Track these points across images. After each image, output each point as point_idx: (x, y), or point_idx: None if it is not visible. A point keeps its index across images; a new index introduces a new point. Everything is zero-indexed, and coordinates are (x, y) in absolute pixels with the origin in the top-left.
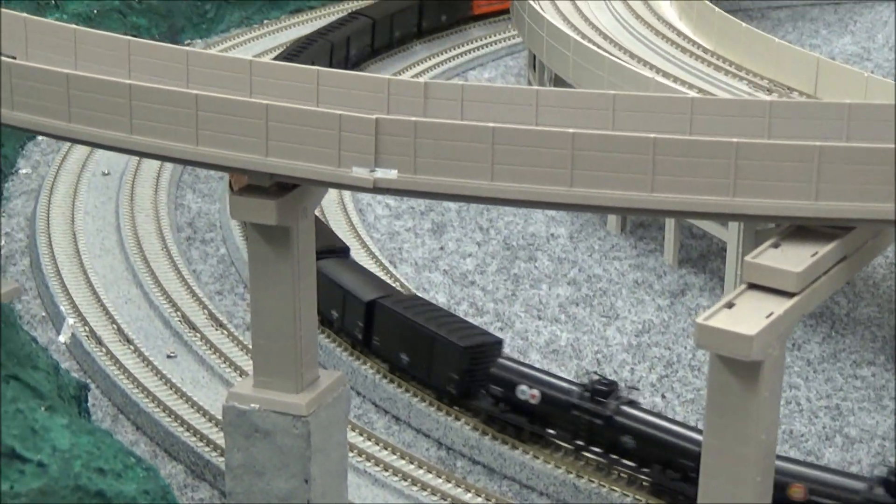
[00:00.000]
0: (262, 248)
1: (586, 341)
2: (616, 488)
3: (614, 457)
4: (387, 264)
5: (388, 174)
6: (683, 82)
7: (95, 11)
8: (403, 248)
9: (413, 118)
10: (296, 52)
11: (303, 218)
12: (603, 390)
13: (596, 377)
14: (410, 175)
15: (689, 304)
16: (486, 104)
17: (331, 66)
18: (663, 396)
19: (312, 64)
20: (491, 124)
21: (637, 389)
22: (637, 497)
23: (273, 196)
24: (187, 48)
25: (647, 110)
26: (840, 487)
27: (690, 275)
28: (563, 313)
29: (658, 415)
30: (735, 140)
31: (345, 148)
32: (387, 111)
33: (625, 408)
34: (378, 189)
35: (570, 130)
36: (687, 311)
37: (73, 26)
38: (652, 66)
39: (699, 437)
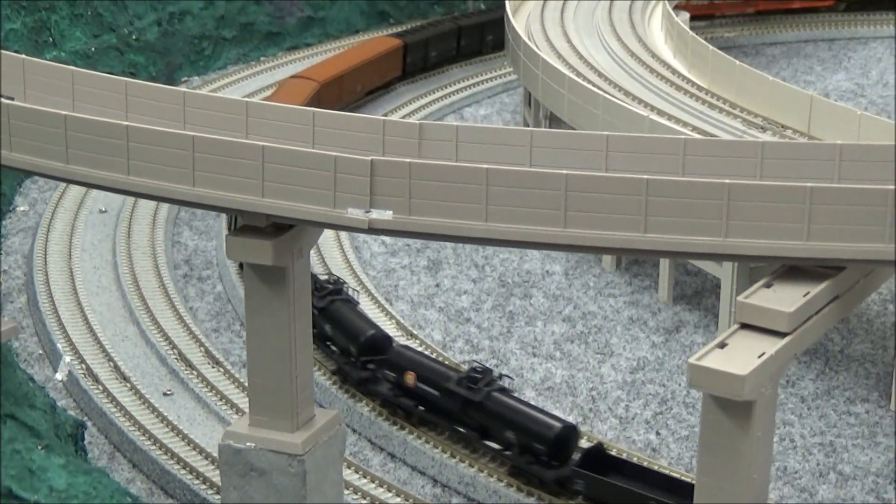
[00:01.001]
0: (258, 288)
1: (581, 378)
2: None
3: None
4: (383, 302)
5: (383, 215)
6: (678, 120)
7: (93, 49)
8: (399, 285)
9: (408, 159)
10: None
11: (298, 258)
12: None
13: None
14: (405, 216)
15: (683, 341)
16: (480, 145)
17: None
18: (658, 434)
19: None
20: (485, 165)
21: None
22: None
23: (269, 236)
24: (184, 89)
25: (640, 151)
26: None
27: (685, 312)
28: (558, 350)
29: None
30: (727, 181)
31: (340, 189)
32: (382, 152)
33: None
34: (373, 230)
35: (564, 172)
36: (681, 348)
37: (71, 67)
38: (647, 104)
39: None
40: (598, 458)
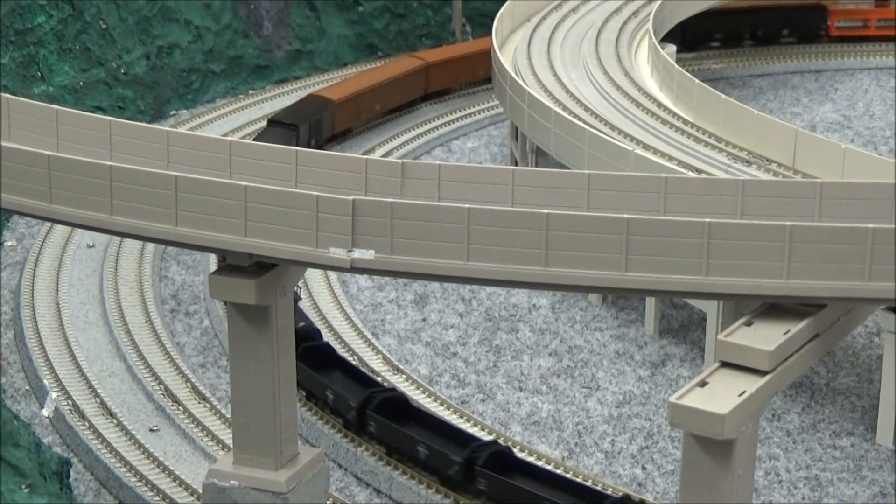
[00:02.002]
0: (241, 327)
1: (567, 413)
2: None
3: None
4: (369, 336)
5: (365, 254)
6: (664, 154)
7: (81, 83)
8: (386, 319)
9: (389, 199)
10: None
11: (282, 296)
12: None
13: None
14: (387, 255)
15: (669, 375)
16: (462, 183)
17: None
18: (643, 468)
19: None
20: (466, 205)
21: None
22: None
23: (252, 275)
24: (167, 129)
25: (621, 189)
26: None
27: (671, 345)
28: (545, 384)
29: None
30: (707, 220)
31: (322, 229)
32: (365, 191)
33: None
34: (356, 269)
35: (545, 211)
36: (667, 382)
37: (55, 107)
38: (632, 138)
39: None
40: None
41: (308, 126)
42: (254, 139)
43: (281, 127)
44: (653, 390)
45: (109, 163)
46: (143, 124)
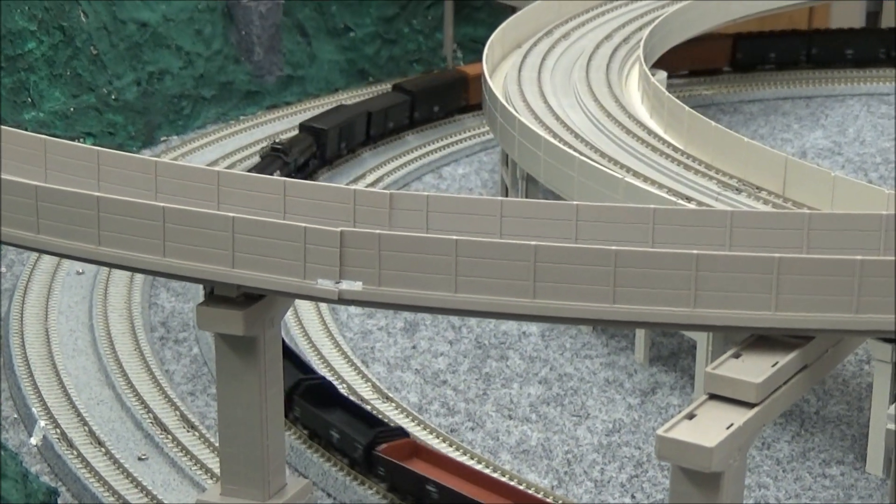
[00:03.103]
0: (229, 358)
1: (557, 441)
2: None
3: None
4: (359, 364)
5: (353, 286)
6: (654, 182)
7: (72, 109)
8: (376, 347)
9: (377, 230)
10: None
11: (269, 327)
12: None
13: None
14: (375, 287)
15: (659, 403)
16: (451, 214)
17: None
18: (633, 497)
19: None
20: (454, 236)
21: None
22: None
23: (240, 306)
24: (155, 159)
25: (609, 220)
26: None
27: (661, 373)
28: (534, 412)
29: None
30: (695, 252)
31: (310, 260)
32: (353, 222)
33: None
34: (343, 301)
35: (532, 243)
36: (657, 410)
37: (43, 136)
38: (622, 165)
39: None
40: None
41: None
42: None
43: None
44: (642, 418)
45: (97, 193)
46: (132, 154)
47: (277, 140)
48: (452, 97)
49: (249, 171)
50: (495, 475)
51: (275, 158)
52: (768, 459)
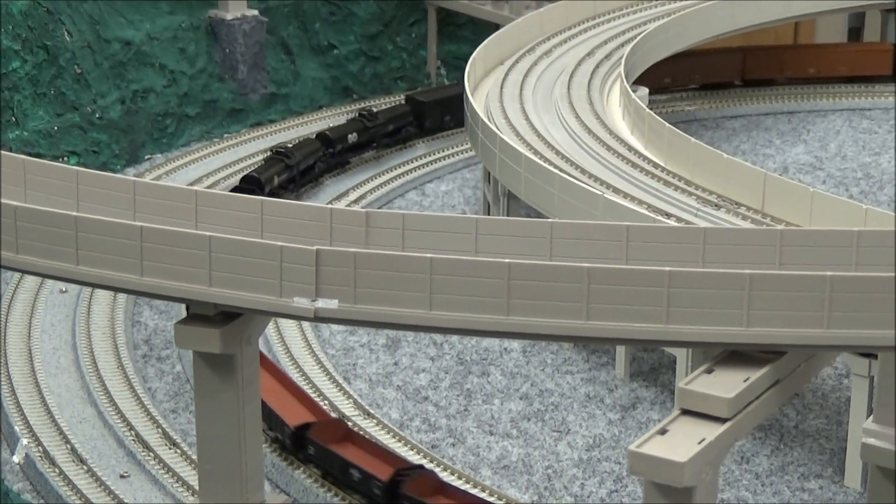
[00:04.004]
0: (206, 375)
1: (537, 456)
2: None
3: None
4: (341, 381)
5: (329, 304)
6: (633, 198)
7: (56, 128)
8: (358, 363)
9: (352, 249)
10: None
11: (247, 345)
12: None
13: None
14: (351, 305)
15: (639, 418)
16: (426, 233)
17: None
18: None
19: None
20: (429, 255)
21: None
22: None
23: (217, 325)
24: (134, 178)
25: (584, 237)
26: None
27: (642, 388)
28: (515, 428)
29: None
30: (668, 269)
31: (286, 278)
32: (330, 240)
33: None
34: (319, 319)
35: (506, 260)
36: (637, 425)
37: (22, 157)
38: (603, 182)
39: None
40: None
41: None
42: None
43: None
44: (623, 433)
45: (75, 213)
46: (111, 174)
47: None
48: None
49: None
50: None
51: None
52: (747, 473)
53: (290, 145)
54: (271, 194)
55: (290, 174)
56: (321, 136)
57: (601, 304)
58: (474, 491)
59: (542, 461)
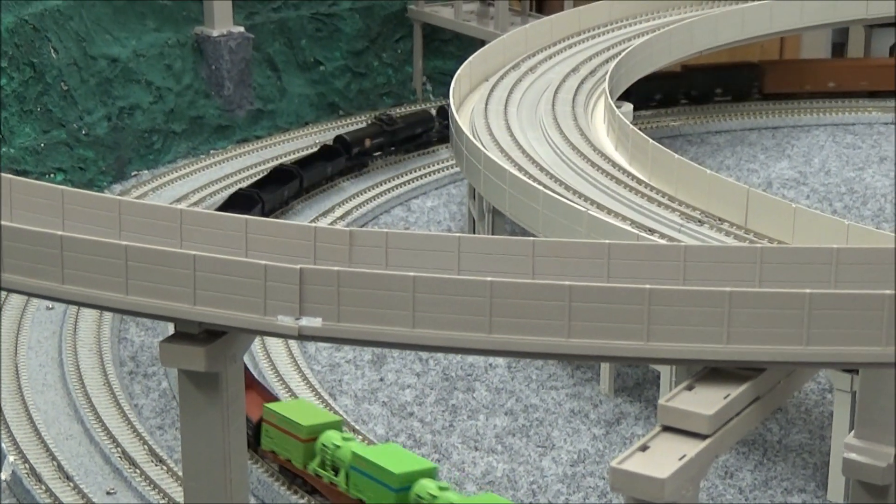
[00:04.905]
0: (191, 394)
1: (522, 472)
2: None
3: None
4: (326, 397)
5: (312, 322)
6: (617, 214)
7: (43, 145)
8: (343, 379)
9: (336, 267)
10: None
11: (231, 363)
12: None
13: None
14: (335, 323)
15: (624, 434)
16: (410, 251)
17: None
18: None
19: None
20: (411, 273)
21: None
22: None
23: (202, 343)
24: (119, 197)
25: (565, 255)
26: None
27: (626, 403)
28: (500, 444)
29: None
30: (648, 287)
31: (270, 297)
32: (314, 259)
33: None
34: (303, 337)
35: (488, 279)
36: (622, 441)
37: (10, 175)
38: (587, 198)
39: None
40: None
41: None
42: None
43: None
44: (607, 449)
45: (60, 232)
46: (96, 193)
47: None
48: None
49: None
50: None
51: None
52: (731, 488)
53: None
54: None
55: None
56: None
57: (582, 322)
58: None
59: (526, 476)
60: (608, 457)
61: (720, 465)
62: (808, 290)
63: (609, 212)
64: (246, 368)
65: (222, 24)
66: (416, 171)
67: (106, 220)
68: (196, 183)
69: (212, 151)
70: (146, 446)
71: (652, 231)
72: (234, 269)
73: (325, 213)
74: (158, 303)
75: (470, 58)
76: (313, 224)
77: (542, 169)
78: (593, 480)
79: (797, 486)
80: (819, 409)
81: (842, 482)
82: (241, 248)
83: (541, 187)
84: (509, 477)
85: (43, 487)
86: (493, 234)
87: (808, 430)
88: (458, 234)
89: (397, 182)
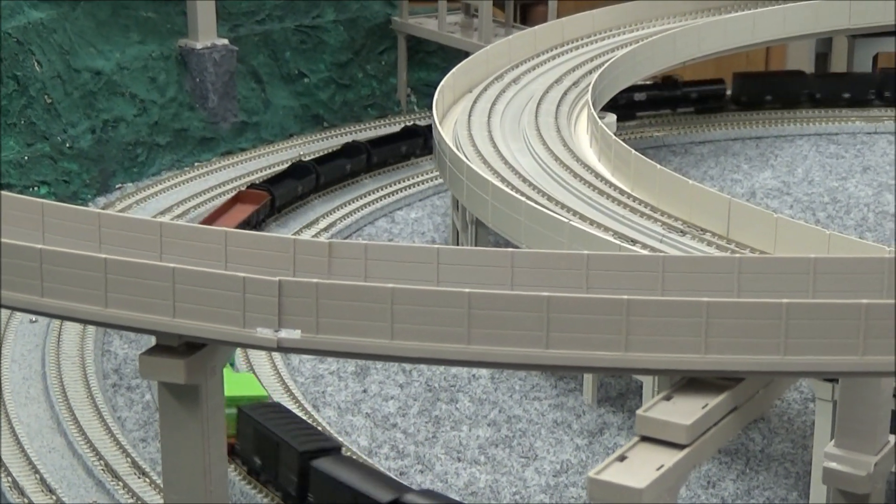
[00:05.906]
0: (171, 406)
1: (505, 483)
2: None
3: None
4: (310, 409)
5: (291, 334)
6: (599, 225)
7: (26, 158)
8: (327, 391)
9: (315, 280)
10: None
11: (211, 376)
12: None
13: None
14: (313, 335)
15: (607, 444)
16: (389, 262)
17: None
18: None
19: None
20: (390, 285)
21: None
22: None
23: (181, 355)
24: (98, 211)
25: (544, 266)
26: None
27: (609, 414)
28: (483, 455)
29: None
30: (626, 297)
31: (249, 309)
32: (293, 271)
33: None
34: (282, 349)
35: (466, 290)
36: (605, 451)
37: None
38: (569, 209)
39: None
40: None
41: None
42: None
43: None
44: (590, 459)
45: (40, 245)
46: (76, 206)
47: None
48: None
49: None
50: None
51: None
52: (713, 498)
53: None
54: None
55: None
56: None
57: (561, 333)
58: None
59: (509, 487)
60: (591, 467)
61: (702, 474)
62: (785, 300)
63: (592, 223)
64: None
65: (206, 36)
66: (400, 183)
67: (86, 234)
68: (180, 195)
69: (196, 164)
70: (129, 459)
71: (634, 242)
72: (213, 281)
73: (308, 225)
74: (138, 315)
75: (453, 69)
76: (293, 236)
77: (524, 180)
78: (576, 491)
79: (779, 495)
80: (801, 419)
81: (824, 491)
82: (220, 260)
83: (523, 198)
84: (492, 488)
85: (26, 500)
86: (476, 245)
87: (790, 440)
88: (437, 246)
89: (381, 193)
